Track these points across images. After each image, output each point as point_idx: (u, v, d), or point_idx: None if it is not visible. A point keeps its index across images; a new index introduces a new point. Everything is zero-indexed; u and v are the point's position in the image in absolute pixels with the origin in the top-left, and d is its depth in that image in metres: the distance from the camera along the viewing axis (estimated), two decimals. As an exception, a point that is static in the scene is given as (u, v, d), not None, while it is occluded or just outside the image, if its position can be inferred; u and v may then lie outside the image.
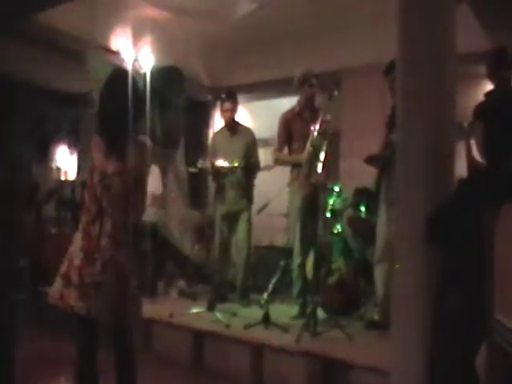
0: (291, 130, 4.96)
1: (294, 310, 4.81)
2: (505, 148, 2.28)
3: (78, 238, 2.72)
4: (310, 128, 4.52)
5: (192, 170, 5.48)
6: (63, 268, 2.70)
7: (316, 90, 4.83)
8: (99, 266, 2.63)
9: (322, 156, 4.30)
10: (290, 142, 5.00)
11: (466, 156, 3.89)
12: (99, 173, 2.69)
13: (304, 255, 4.79)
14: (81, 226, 2.75)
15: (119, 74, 2.83)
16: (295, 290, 4.89)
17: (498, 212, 1.99)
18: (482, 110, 3.70)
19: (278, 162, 5.09)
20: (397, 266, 2.64)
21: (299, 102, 4.99)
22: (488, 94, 4.06)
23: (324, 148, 4.33)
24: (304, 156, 4.57)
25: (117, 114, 2.69)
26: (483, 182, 2.29)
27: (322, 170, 4.24)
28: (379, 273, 4.29)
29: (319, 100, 4.78)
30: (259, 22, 5.76)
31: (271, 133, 7.30)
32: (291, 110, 5.03)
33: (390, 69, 3.98)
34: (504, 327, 1.88)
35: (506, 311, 1.89)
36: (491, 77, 4.17)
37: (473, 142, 3.74)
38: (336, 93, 4.41)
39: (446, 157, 2.72)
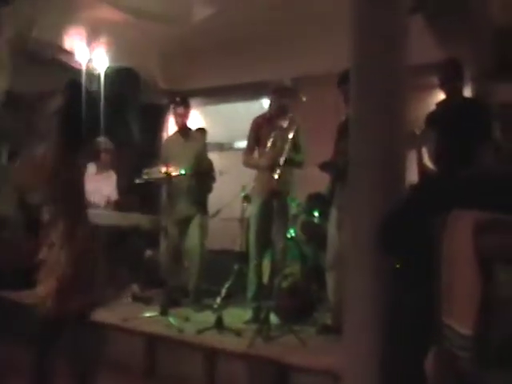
0: (260, 134, 4.96)
1: (248, 314, 4.80)
2: (455, 156, 2.32)
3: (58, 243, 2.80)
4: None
5: (138, 180, 5.20)
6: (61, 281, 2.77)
7: (286, 101, 4.84)
8: (87, 258, 2.84)
9: (281, 162, 4.34)
10: (259, 146, 5.01)
11: (417, 164, 3.97)
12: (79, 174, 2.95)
13: (259, 259, 4.81)
14: (64, 231, 2.81)
15: (75, 85, 2.96)
16: (249, 293, 4.89)
17: (447, 219, 2.03)
18: (433, 119, 3.79)
19: (246, 165, 5.08)
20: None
21: (271, 108, 5.02)
22: (440, 104, 4.16)
23: (284, 154, 4.37)
24: (264, 161, 4.63)
25: (80, 121, 2.84)
26: (434, 188, 2.33)
27: (281, 176, 4.27)
28: (331, 278, 4.33)
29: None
30: (218, 28, 5.75)
31: (226, 138, 7.31)
32: (263, 115, 5.05)
33: (343, 79, 4.00)
34: (453, 332, 1.92)
35: (454, 317, 1.93)
36: (443, 87, 4.26)
37: (424, 150, 3.81)
38: (304, 99, 4.47)
39: (398, 164, 2.75)
